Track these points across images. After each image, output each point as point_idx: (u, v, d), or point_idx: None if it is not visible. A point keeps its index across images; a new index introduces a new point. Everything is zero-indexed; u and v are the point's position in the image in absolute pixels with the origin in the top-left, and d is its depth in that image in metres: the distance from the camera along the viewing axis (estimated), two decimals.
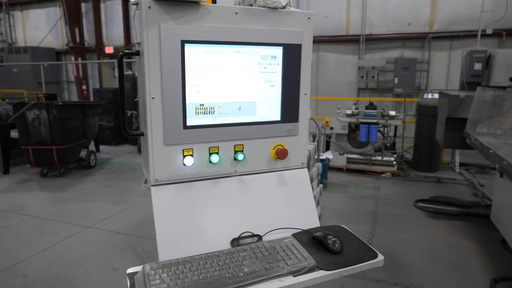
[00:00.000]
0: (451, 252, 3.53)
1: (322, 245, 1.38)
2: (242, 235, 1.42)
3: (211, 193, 1.46)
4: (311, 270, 1.26)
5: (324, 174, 5.57)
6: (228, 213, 1.45)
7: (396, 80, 9.27)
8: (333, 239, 1.37)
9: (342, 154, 6.61)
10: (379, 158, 6.45)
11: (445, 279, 3.09)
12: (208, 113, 1.41)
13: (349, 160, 6.58)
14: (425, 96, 6.36)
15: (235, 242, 1.40)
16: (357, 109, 6.59)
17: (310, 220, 1.58)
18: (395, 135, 6.86)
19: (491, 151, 2.84)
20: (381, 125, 6.26)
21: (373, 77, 9.63)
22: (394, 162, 6.37)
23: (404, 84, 9.12)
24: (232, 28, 1.38)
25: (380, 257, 1.35)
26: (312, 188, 3.94)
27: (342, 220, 4.38)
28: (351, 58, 10.23)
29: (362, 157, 6.56)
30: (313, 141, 4.96)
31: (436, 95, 5.98)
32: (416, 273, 3.19)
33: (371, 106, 6.47)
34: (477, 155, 5.13)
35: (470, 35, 8.57)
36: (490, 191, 4.98)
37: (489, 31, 8.39)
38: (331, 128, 6.61)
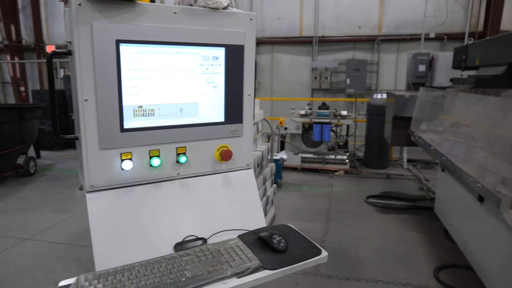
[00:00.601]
0: (399, 244, 3.71)
1: (268, 245, 1.39)
2: (186, 239, 1.39)
3: (153, 198, 1.41)
4: (255, 270, 1.26)
5: (278, 174, 5.64)
6: (171, 217, 1.42)
7: (348, 81, 9.61)
8: (278, 239, 1.38)
9: (297, 153, 6.73)
10: (333, 156, 6.64)
11: (393, 270, 3.24)
12: (147, 115, 1.37)
13: (303, 160, 6.72)
14: (374, 96, 6.65)
15: (178, 246, 1.37)
16: (310, 109, 6.74)
17: (257, 220, 1.58)
18: (347, 134, 7.10)
19: (432, 147, 3.02)
20: (333, 124, 6.45)
21: (326, 78, 9.92)
22: (347, 160, 6.59)
23: (355, 85, 9.47)
24: (171, 28, 1.35)
25: (324, 253, 1.37)
26: (266, 188, 3.98)
27: (297, 218, 4.46)
28: (305, 59, 10.45)
29: (316, 156, 6.72)
30: (268, 141, 5.01)
31: (385, 95, 6.27)
32: (366, 266, 3.31)
33: (323, 106, 6.65)
34: (423, 151, 5.44)
35: (415, 38, 9.08)
36: (434, 185, 5.29)
37: (432, 35, 8.95)
38: (286, 128, 6.71)
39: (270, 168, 4.15)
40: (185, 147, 1.46)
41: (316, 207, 4.81)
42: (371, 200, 4.99)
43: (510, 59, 3.56)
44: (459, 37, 8.99)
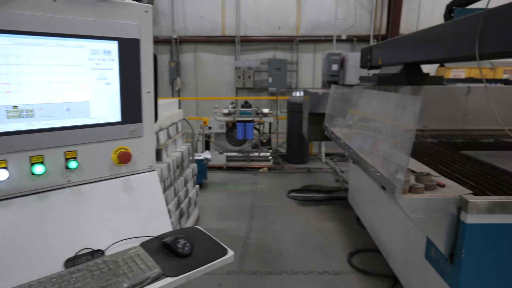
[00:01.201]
0: (317, 235, 3.88)
1: (172, 250, 1.32)
2: (79, 253, 1.26)
3: (37, 210, 1.25)
4: (155, 279, 1.18)
5: (203, 174, 5.56)
6: (61, 231, 1.27)
7: (270, 80, 9.86)
8: (183, 243, 1.32)
9: (222, 153, 6.71)
10: (257, 154, 6.75)
11: (312, 260, 3.37)
12: (25, 116, 1.21)
13: (228, 158, 6.72)
14: (293, 94, 6.90)
15: (69, 262, 1.23)
16: (234, 108, 6.76)
17: (162, 225, 1.50)
18: (270, 132, 7.27)
19: (342, 141, 3.21)
20: (256, 122, 6.55)
21: (249, 77, 10.06)
22: (270, 157, 6.74)
23: (277, 83, 9.75)
24: (50, 17, 1.21)
25: (230, 253, 1.35)
26: (188, 189, 3.88)
27: (222, 218, 4.43)
28: (228, 58, 10.48)
29: (241, 155, 6.76)
30: (193, 141, 4.89)
31: (303, 93, 6.54)
32: (288, 259, 3.41)
33: (246, 105, 6.72)
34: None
35: (329, 39, 9.64)
36: (348, 176, 5.67)
37: (343, 37, 9.58)
38: (210, 128, 6.65)
39: (191, 168, 4.05)
40: (75, 151, 1.33)
41: (241, 205, 4.83)
42: (292, 194, 5.16)
43: (404, 59, 3.95)
44: (366, 39, 9.77)
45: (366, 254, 3.44)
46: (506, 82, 6.19)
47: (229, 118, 6.54)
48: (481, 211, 1.70)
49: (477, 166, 2.77)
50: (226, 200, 5.09)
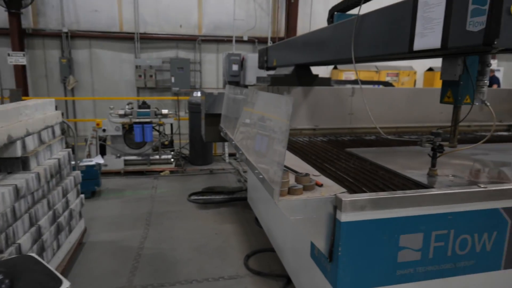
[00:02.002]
0: (215, 239, 3.78)
1: None
2: None
3: None
4: None
5: (96, 181, 5.05)
6: None
7: (173, 79, 9.51)
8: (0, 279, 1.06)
9: (119, 156, 6.20)
10: (158, 157, 6.40)
11: (209, 266, 3.25)
12: None
13: (127, 162, 6.24)
14: (194, 94, 6.71)
15: None
16: (131, 108, 6.30)
17: None
18: (172, 133, 6.97)
19: (234, 142, 3.15)
20: (155, 124, 6.20)
21: (151, 76, 9.56)
22: (172, 160, 6.46)
23: (180, 83, 9.45)
24: None
25: (66, 284, 1.13)
26: (69, 201, 3.43)
27: (114, 228, 4.05)
28: (128, 56, 9.81)
29: (140, 158, 6.34)
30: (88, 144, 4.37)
31: None
32: (183, 267, 3.23)
33: (144, 105, 6.32)
34: None
35: (231, 40, 9.68)
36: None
37: (245, 38, 9.71)
38: (104, 130, 6.08)
39: (73, 177, 3.60)
40: None
41: (137, 213, 4.49)
42: (193, 197, 4.98)
43: (295, 60, 4.08)
44: (266, 41, 10.06)
45: (263, 254, 3.44)
46: (385, 84, 6.91)
47: (126, 120, 6.07)
48: (355, 209, 1.75)
49: (358, 163, 2.95)
50: (121, 208, 4.69)
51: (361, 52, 2.63)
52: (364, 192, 2.19)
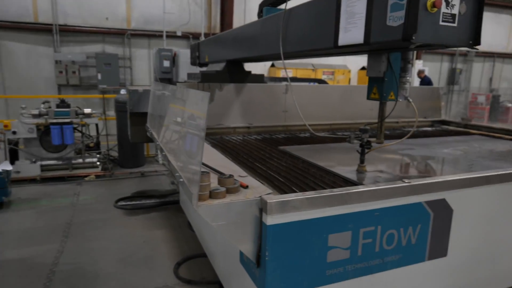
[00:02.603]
0: (144, 247, 3.50)
1: None
2: None
3: None
4: None
5: (3, 191, 4.43)
6: None
7: (99, 76, 8.82)
8: None
9: (35, 161, 5.55)
10: (81, 160, 5.85)
11: (135, 278, 2.98)
12: None
13: (44, 168, 5.61)
14: (121, 92, 6.26)
15: None
16: (47, 108, 5.67)
17: None
18: (98, 134, 6.42)
19: (158, 143, 2.90)
20: (77, 124, 5.65)
21: (74, 72, 8.77)
22: (98, 163, 5.95)
23: (108, 80, 8.80)
24: None
25: None
26: None
27: (24, 243, 3.56)
28: (46, 50, 8.90)
29: (60, 162, 5.74)
30: None
31: None
32: (104, 282, 2.91)
33: (62, 104, 5.72)
34: None
35: (165, 35, 9.24)
36: None
37: (179, 33, 9.34)
38: (14, 132, 5.39)
39: None
40: None
41: (54, 224, 4.01)
42: (120, 203, 4.61)
43: (226, 56, 3.92)
44: (200, 37, 9.80)
45: (195, 261, 3.25)
46: (320, 81, 7.06)
47: (41, 120, 5.44)
48: (281, 210, 1.64)
49: (290, 161, 2.88)
50: (35, 219, 4.16)
51: (289, 47, 2.55)
52: (294, 191, 2.10)
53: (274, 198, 1.65)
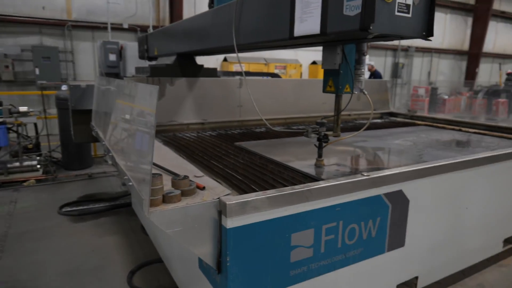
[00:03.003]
0: (93, 257, 3.23)
1: None
2: None
3: None
4: None
5: None
6: None
7: (37, 71, 8.11)
8: None
9: None
10: (18, 164, 5.33)
11: None
12: None
13: None
14: (62, 88, 5.78)
15: None
16: None
17: None
18: (37, 134, 5.89)
19: (104, 142, 2.68)
20: (11, 124, 5.14)
21: (7, 67, 7.98)
22: (39, 166, 5.46)
23: (47, 76, 8.12)
24: None
25: None
26: None
27: None
28: None
29: None
30: None
31: None
32: None
33: None
34: None
35: (110, 27, 8.70)
36: None
37: (125, 26, 8.85)
38: None
39: None
40: None
41: None
42: (65, 209, 4.25)
43: (176, 49, 3.73)
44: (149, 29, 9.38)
45: (151, 267, 3.05)
46: (273, 75, 7.03)
47: None
48: (241, 212, 1.54)
49: (247, 157, 2.79)
50: None
51: (243, 39, 2.44)
52: (254, 190, 2.01)
53: (233, 199, 1.54)
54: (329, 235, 1.81)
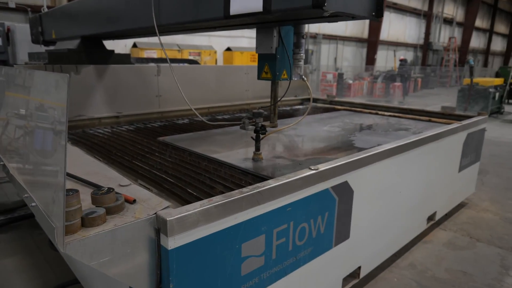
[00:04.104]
0: None
1: None
2: None
3: None
4: None
5: None
6: None
7: None
8: None
9: None
10: None
11: None
12: None
13: None
14: None
15: None
16: None
17: None
18: None
19: None
20: None
21: None
22: None
23: None
24: None
25: None
26: None
27: None
28: None
29: None
30: None
31: None
32: None
33: None
34: None
35: None
36: None
37: (12, 5, 7.52)
38: None
39: None
40: None
41: None
42: None
43: (80, 32, 3.18)
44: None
45: None
46: (190, 62, 6.64)
47: None
48: (184, 228, 1.28)
49: (175, 155, 2.48)
50: None
51: (165, 18, 2.11)
52: (191, 194, 1.75)
53: (174, 213, 1.27)
54: (280, 239, 1.65)
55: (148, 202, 1.37)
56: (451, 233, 3.15)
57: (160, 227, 1.27)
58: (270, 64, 2.12)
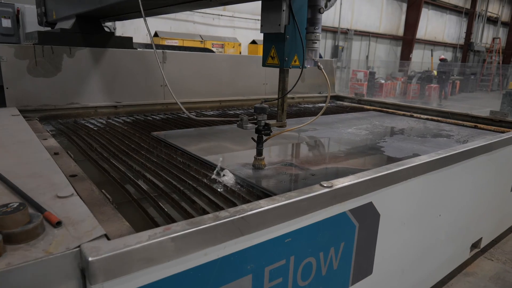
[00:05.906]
0: None
1: None
2: None
3: None
4: None
5: None
6: None
7: None
8: None
9: None
10: None
11: None
12: None
13: None
14: None
15: None
16: None
17: None
18: None
19: None
20: None
21: None
22: None
23: None
24: None
25: None
26: None
27: None
28: None
29: None
30: None
31: None
32: None
33: None
34: None
35: None
36: None
37: None
38: None
39: None
40: None
41: None
42: None
43: (74, 9, 2.84)
44: None
45: None
46: (204, 50, 6.24)
47: None
48: (121, 271, 0.85)
49: (164, 154, 2.08)
50: None
51: None
52: (161, 209, 1.33)
53: (104, 248, 0.84)
54: (275, 280, 1.20)
55: (79, 225, 0.96)
56: (499, 264, 2.59)
57: (84, 267, 0.85)
58: (277, 46, 1.66)
